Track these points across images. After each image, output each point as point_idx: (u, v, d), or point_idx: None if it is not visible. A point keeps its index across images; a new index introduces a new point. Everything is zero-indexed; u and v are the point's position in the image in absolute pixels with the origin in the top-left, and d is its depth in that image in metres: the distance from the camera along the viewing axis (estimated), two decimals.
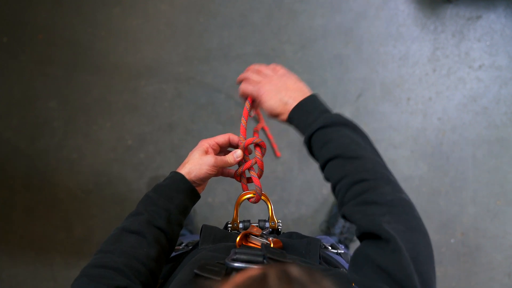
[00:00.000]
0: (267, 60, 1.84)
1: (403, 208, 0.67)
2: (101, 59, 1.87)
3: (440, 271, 1.79)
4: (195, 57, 1.86)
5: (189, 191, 0.81)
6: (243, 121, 0.87)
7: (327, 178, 0.78)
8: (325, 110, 0.80)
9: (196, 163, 0.82)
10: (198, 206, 1.82)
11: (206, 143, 0.85)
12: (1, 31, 1.88)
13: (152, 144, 1.83)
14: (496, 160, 1.81)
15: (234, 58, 1.85)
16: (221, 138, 0.87)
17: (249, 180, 0.90)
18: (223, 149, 0.89)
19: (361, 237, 0.67)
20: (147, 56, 1.87)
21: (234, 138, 0.87)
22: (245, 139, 0.87)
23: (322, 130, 0.78)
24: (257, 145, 0.88)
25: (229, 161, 0.85)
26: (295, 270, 0.45)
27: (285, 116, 0.83)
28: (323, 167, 0.79)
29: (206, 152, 0.84)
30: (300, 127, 0.82)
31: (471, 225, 1.80)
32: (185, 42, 1.86)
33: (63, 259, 1.82)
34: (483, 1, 1.84)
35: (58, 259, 1.82)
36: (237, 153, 0.86)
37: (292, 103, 0.82)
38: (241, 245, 0.76)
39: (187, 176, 0.81)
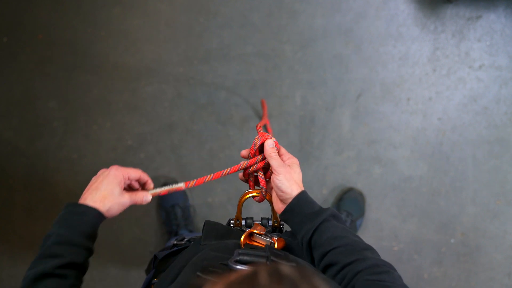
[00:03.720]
0: (267, 60, 1.84)
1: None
2: (101, 59, 1.87)
3: (440, 271, 1.79)
4: (195, 57, 1.86)
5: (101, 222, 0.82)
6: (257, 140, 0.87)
7: (333, 261, 0.76)
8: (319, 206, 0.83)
9: (116, 202, 0.81)
10: (198, 206, 1.82)
11: (121, 175, 0.84)
12: (1, 31, 1.88)
13: (152, 144, 1.83)
14: (496, 160, 1.81)
15: (234, 58, 1.85)
16: (134, 173, 0.86)
17: (256, 178, 0.90)
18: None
19: None
20: (147, 56, 1.87)
21: (144, 176, 0.88)
22: (275, 139, 0.87)
23: (327, 223, 0.79)
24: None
25: (143, 203, 0.87)
26: (286, 268, 0.45)
27: (288, 200, 0.82)
28: (328, 251, 0.77)
29: (121, 187, 0.84)
30: (304, 211, 0.81)
31: (471, 225, 1.80)
32: (185, 42, 1.86)
33: None
34: (483, 1, 1.84)
35: None
36: (148, 197, 0.88)
37: (296, 191, 0.83)
38: (245, 244, 0.76)
39: (105, 214, 0.81)
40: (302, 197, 0.82)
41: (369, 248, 0.76)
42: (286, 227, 0.92)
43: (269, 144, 0.85)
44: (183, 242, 0.96)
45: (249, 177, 0.90)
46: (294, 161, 0.86)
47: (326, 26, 1.85)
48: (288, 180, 0.82)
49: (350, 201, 1.75)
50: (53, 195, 1.84)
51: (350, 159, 1.82)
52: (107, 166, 0.86)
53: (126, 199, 0.83)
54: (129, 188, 0.89)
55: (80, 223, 0.78)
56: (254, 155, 0.88)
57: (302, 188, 0.84)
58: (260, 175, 0.88)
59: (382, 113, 1.83)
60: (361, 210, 1.77)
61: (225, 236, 0.81)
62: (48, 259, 0.75)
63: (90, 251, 0.79)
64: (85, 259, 0.78)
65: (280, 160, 0.84)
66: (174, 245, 0.96)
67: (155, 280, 0.76)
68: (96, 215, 0.79)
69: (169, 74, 1.86)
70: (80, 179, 1.84)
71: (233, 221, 0.91)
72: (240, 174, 0.92)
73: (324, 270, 0.75)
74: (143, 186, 0.90)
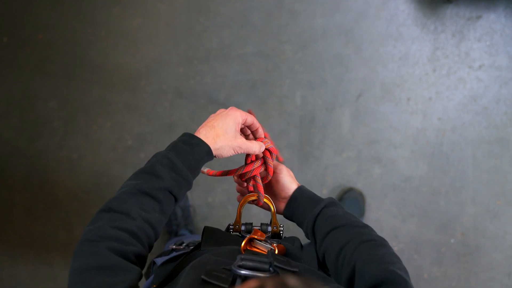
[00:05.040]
0: (267, 60, 1.84)
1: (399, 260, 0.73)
2: (101, 59, 1.87)
3: (440, 271, 1.79)
4: (195, 57, 1.86)
5: (207, 162, 0.80)
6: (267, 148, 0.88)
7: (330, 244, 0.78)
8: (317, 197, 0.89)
9: (228, 142, 0.79)
10: (198, 207, 1.82)
11: (240, 117, 0.81)
12: (1, 31, 1.88)
13: (152, 144, 1.83)
14: (496, 160, 1.81)
15: (234, 58, 1.85)
16: (250, 119, 0.83)
17: (254, 183, 0.90)
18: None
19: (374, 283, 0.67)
20: (147, 56, 1.87)
21: (256, 122, 0.86)
22: (271, 145, 0.88)
23: (328, 208, 0.84)
24: (266, 149, 0.87)
25: (256, 151, 0.83)
26: (292, 281, 0.45)
27: (290, 192, 0.88)
28: (326, 234, 0.80)
29: (237, 129, 0.81)
30: (306, 200, 0.86)
31: (471, 225, 1.80)
32: (185, 42, 1.86)
33: (63, 259, 1.82)
34: (483, 1, 1.84)
35: (58, 259, 1.82)
36: (263, 147, 0.85)
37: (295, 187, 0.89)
38: (245, 250, 0.76)
39: (214, 153, 0.79)
40: (302, 188, 0.88)
41: (366, 226, 0.79)
42: (286, 233, 0.92)
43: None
44: (181, 247, 0.96)
45: (247, 182, 0.90)
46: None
47: (326, 26, 1.85)
48: (289, 176, 0.88)
49: (350, 201, 1.75)
50: (53, 195, 1.84)
51: (350, 159, 1.82)
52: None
53: (240, 144, 0.79)
54: (241, 134, 0.86)
55: (188, 154, 0.77)
56: (251, 161, 0.88)
57: (298, 184, 0.90)
58: (258, 180, 0.88)
59: (382, 113, 1.83)
60: (361, 210, 1.77)
61: (224, 242, 0.81)
62: (149, 176, 0.74)
63: (188, 184, 0.77)
64: (181, 190, 0.76)
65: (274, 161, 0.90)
66: (173, 250, 0.95)
67: (154, 286, 0.76)
68: (205, 151, 0.77)
69: (169, 74, 1.86)
70: (80, 179, 1.84)
71: (232, 226, 0.91)
72: (237, 186, 0.92)
73: (324, 254, 0.78)
74: (254, 134, 0.87)
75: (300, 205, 0.86)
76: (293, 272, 0.65)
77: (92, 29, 1.88)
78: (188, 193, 1.81)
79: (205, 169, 0.89)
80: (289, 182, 0.87)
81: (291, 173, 0.90)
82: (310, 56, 1.84)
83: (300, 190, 0.87)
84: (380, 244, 0.73)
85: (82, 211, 1.83)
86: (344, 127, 1.83)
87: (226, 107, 0.83)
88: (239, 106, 1.83)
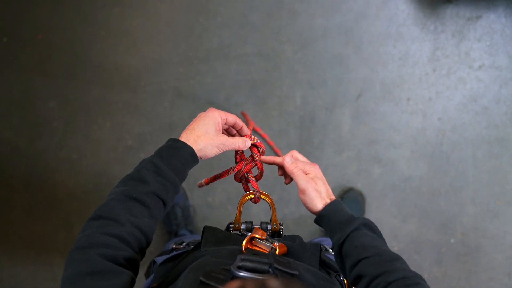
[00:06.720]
0: (267, 60, 1.84)
1: None
2: (101, 59, 1.87)
3: (440, 271, 1.79)
4: (195, 57, 1.86)
5: (193, 165, 0.81)
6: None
7: (360, 274, 0.75)
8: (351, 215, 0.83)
9: (210, 142, 0.80)
10: (198, 206, 1.82)
11: (219, 117, 0.82)
12: (1, 31, 1.88)
13: (152, 144, 1.83)
14: (496, 160, 1.81)
15: (234, 58, 1.85)
16: (231, 118, 0.85)
17: (248, 181, 0.91)
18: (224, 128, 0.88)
19: None
20: (147, 56, 1.87)
21: (239, 122, 0.86)
22: (257, 140, 0.87)
23: (358, 231, 0.79)
24: (253, 145, 0.88)
25: (240, 146, 0.84)
26: (273, 283, 0.45)
27: (316, 209, 0.83)
28: (357, 262, 0.77)
29: (217, 128, 0.82)
30: (334, 222, 0.81)
31: (471, 225, 1.80)
32: (185, 42, 1.86)
33: (63, 259, 1.82)
34: (483, 1, 1.84)
35: (58, 259, 1.82)
36: (248, 142, 0.86)
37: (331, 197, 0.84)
38: (246, 249, 0.76)
39: (198, 154, 0.80)
40: (331, 207, 0.82)
41: (398, 258, 0.76)
42: (285, 232, 0.92)
43: (288, 161, 0.85)
44: (182, 246, 0.96)
45: (241, 180, 0.90)
46: (316, 172, 0.86)
47: (326, 26, 1.85)
48: (315, 191, 0.82)
49: (350, 201, 1.75)
50: (53, 195, 1.84)
51: (350, 159, 1.82)
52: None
53: (223, 141, 0.81)
54: (227, 134, 0.87)
55: (172, 157, 0.78)
56: (240, 159, 0.88)
57: (328, 201, 0.83)
58: (251, 177, 0.88)
59: (382, 113, 1.83)
60: (361, 210, 1.77)
61: (224, 241, 0.81)
62: (135, 182, 0.75)
63: (175, 187, 0.78)
64: (168, 194, 0.77)
65: (304, 177, 0.83)
66: (173, 249, 0.95)
67: (154, 285, 0.76)
68: (188, 152, 0.79)
69: (169, 74, 1.86)
70: (80, 179, 1.84)
71: (232, 225, 0.91)
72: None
73: (355, 281, 0.76)
74: (239, 133, 0.88)
75: (328, 224, 0.82)
76: (293, 275, 0.64)
77: (92, 29, 1.88)
78: (188, 193, 1.81)
79: (201, 180, 0.90)
80: (310, 205, 0.82)
81: (321, 189, 0.83)
82: (310, 56, 1.84)
83: (326, 211, 0.81)
84: (414, 283, 0.71)
85: (82, 211, 1.83)
86: (344, 127, 1.83)
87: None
88: (239, 106, 1.83)
